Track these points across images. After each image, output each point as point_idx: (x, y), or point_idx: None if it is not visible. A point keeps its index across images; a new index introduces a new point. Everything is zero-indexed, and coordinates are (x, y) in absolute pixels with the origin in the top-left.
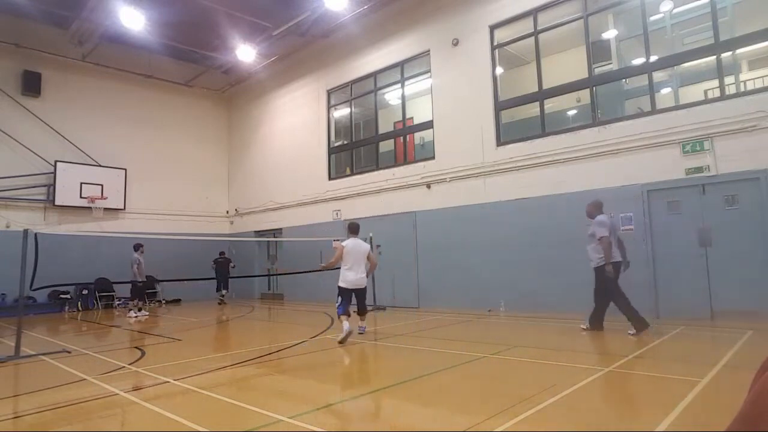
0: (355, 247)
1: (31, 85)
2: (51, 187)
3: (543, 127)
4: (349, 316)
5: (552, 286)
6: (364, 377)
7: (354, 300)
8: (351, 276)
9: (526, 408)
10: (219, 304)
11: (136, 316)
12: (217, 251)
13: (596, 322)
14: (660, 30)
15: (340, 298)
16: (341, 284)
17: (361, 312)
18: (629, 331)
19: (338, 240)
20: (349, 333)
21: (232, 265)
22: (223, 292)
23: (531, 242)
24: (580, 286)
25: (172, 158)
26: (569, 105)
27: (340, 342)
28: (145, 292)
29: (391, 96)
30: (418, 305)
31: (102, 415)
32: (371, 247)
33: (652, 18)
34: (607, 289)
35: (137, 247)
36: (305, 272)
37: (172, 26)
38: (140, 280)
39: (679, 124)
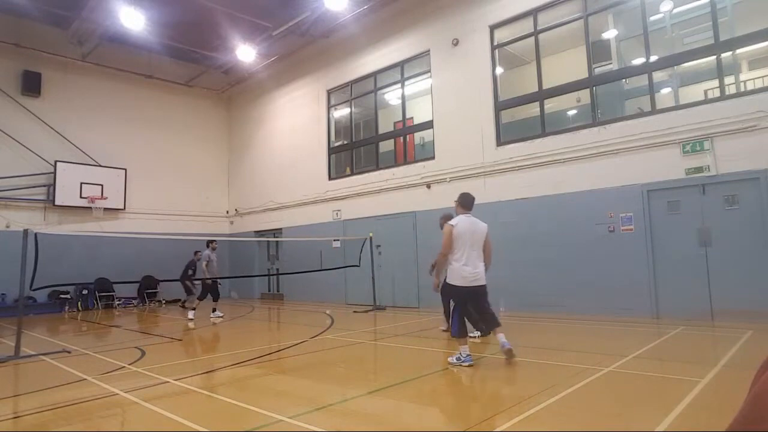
0: (469, 227)
1: (31, 85)
2: (51, 187)
3: (543, 127)
4: (467, 336)
5: (552, 286)
6: (364, 377)
7: (474, 307)
8: (468, 269)
9: (526, 408)
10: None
11: (191, 319)
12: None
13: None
14: (660, 30)
15: (454, 308)
16: (453, 282)
17: (489, 320)
18: (442, 327)
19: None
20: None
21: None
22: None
23: (531, 242)
24: (580, 286)
25: (172, 158)
26: (569, 105)
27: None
28: (212, 291)
29: (391, 96)
30: (418, 305)
31: (102, 415)
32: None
33: (652, 18)
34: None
35: (208, 243)
36: (306, 272)
37: (172, 26)
38: (209, 278)
39: (679, 124)
